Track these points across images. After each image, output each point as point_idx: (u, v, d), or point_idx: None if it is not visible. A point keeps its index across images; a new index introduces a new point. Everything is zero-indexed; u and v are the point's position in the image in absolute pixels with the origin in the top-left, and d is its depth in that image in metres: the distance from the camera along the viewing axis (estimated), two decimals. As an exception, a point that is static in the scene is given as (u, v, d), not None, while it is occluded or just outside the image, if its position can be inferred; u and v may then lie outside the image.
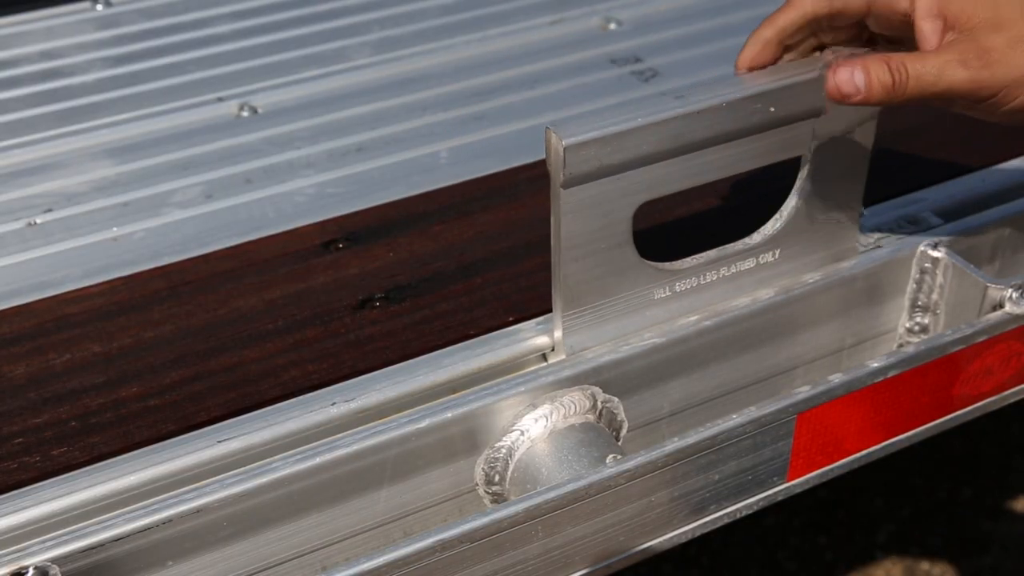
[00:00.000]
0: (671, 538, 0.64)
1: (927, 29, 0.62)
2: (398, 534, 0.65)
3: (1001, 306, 0.70)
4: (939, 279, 0.74)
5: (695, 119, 0.62)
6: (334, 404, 0.63)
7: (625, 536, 0.62)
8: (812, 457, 0.67)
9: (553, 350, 0.67)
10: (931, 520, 1.64)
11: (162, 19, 1.13)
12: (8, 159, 0.91)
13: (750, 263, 0.70)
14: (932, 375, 0.68)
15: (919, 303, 0.76)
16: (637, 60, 1.03)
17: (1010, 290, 0.70)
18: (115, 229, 0.82)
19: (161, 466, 0.59)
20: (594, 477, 0.58)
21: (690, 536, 0.65)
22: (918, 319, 0.77)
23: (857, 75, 0.60)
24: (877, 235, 0.75)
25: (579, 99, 0.97)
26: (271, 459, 0.59)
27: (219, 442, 0.60)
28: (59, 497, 0.57)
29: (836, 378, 0.64)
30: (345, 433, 0.61)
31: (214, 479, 0.59)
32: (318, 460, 0.59)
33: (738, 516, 0.67)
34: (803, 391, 0.63)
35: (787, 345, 0.73)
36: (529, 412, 0.64)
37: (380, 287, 0.74)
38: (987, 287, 0.71)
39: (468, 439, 0.64)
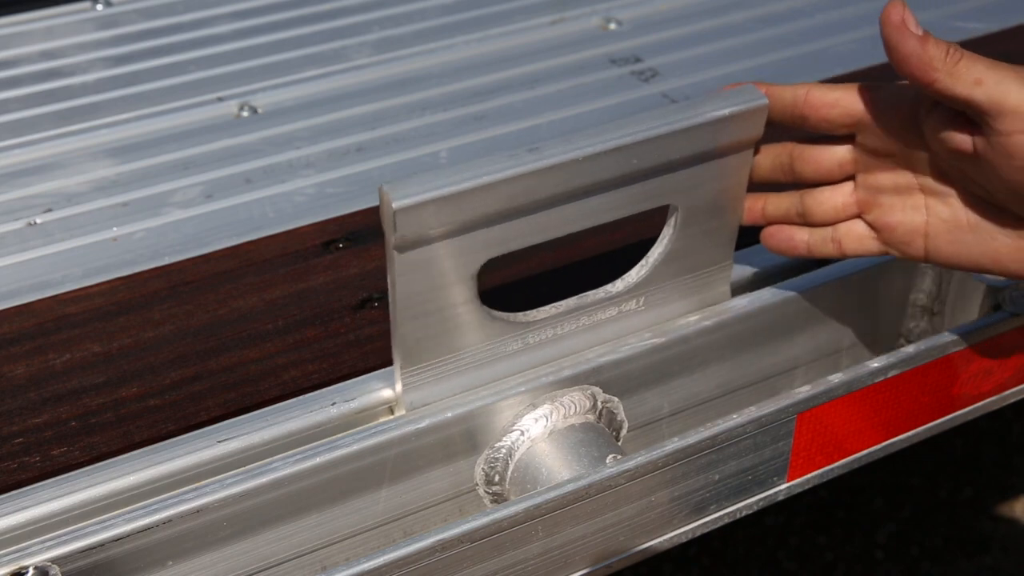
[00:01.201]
0: (671, 538, 0.64)
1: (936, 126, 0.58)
2: (398, 534, 0.65)
3: (1001, 306, 0.70)
4: (939, 279, 0.74)
5: (546, 175, 0.57)
6: (334, 404, 0.63)
7: (625, 536, 0.62)
8: (812, 457, 0.67)
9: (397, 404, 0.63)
10: (931, 520, 1.64)
11: (162, 19, 1.13)
12: (8, 159, 0.91)
13: (612, 312, 0.66)
14: (932, 375, 0.68)
15: (919, 303, 0.76)
16: (637, 60, 1.03)
17: (1010, 290, 0.70)
18: (115, 229, 0.82)
19: (161, 466, 0.59)
20: (594, 477, 0.58)
21: (690, 536, 0.65)
22: (918, 319, 0.77)
23: (911, 21, 0.56)
24: (877, 235, 0.75)
25: (579, 99, 0.97)
26: (271, 459, 0.59)
27: (219, 442, 0.60)
28: (59, 497, 0.57)
29: (836, 378, 0.64)
30: (345, 433, 0.61)
31: (214, 479, 0.59)
32: (318, 460, 0.59)
33: (738, 516, 0.67)
34: (803, 391, 0.63)
35: (787, 345, 0.73)
36: (529, 412, 0.64)
37: (380, 287, 0.74)
38: (987, 287, 0.71)
39: (468, 439, 0.64)
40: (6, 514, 0.56)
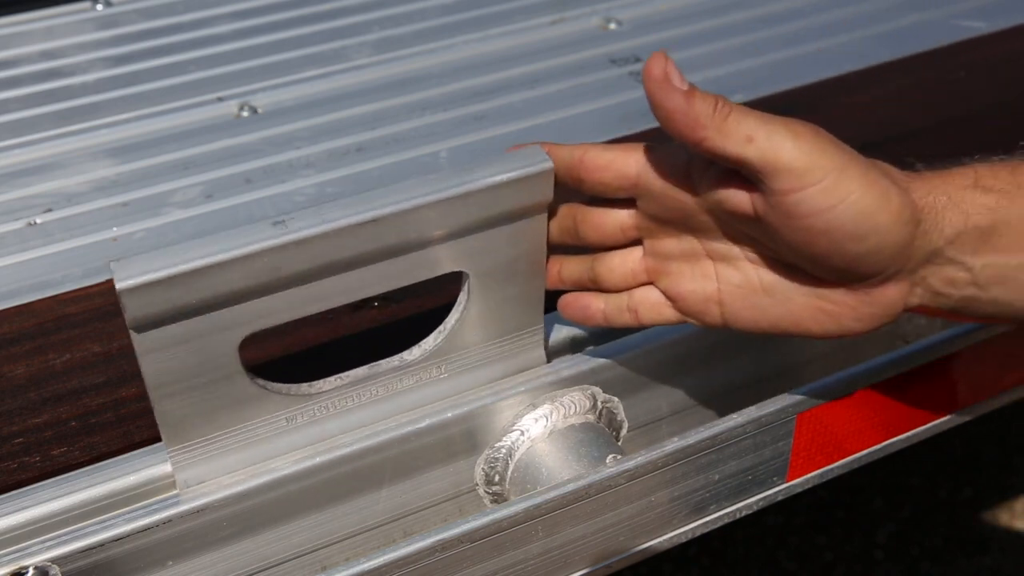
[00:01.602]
0: (671, 538, 0.64)
1: (704, 183, 0.55)
2: (398, 534, 0.65)
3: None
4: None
5: (292, 251, 0.52)
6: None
7: (625, 536, 0.62)
8: (812, 457, 0.67)
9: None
10: (931, 520, 1.64)
11: (162, 19, 1.13)
12: (8, 159, 0.91)
13: (410, 381, 0.61)
14: (932, 375, 0.68)
15: (919, 303, 0.76)
16: (637, 60, 1.03)
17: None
18: (115, 229, 0.82)
19: (161, 466, 0.59)
20: (594, 477, 0.58)
21: (690, 536, 0.65)
22: (918, 319, 0.77)
23: (675, 76, 0.52)
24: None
25: (579, 99, 0.97)
26: (271, 459, 0.59)
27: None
28: (59, 497, 0.57)
29: (836, 378, 0.64)
30: (344, 433, 0.61)
31: (214, 479, 0.59)
32: (318, 460, 0.59)
33: (738, 516, 0.67)
34: (803, 391, 0.63)
35: (787, 345, 0.73)
36: (529, 412, 0.64)
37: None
38: (987, 287, 0.70)
39: (468, 439, 0.64)
40: (6, 514, 0.56)
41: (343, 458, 0.60)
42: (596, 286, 0.62)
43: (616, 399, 0.67)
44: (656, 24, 1.10)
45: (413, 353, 0.61)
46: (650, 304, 0.60)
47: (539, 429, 0.63)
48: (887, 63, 1.01)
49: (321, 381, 0.59)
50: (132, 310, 0.51)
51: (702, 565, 1.58)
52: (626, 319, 0.61)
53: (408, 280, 0.57)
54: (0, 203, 0.86)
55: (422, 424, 0.61)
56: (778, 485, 0.67)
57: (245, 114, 0.97)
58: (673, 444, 0.60)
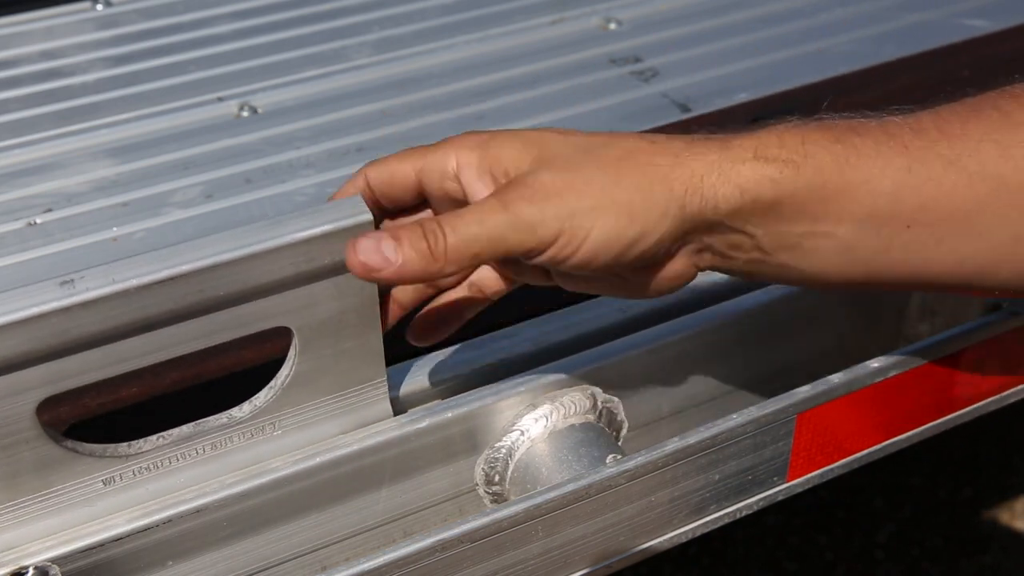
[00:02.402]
0: (671, 538, 0.64)
1: (480, 188, 0.54)
2: (398, 534, 0.65)
3: (1001, 306, 0.70)
4: (939, 279, 0.74)
5: (81, 313, 0.48)
6: None
7: (625, 536, 0.62)
8: (812, 457, 0.67)
9: None
10: (931, 520, 1.64)
11: (162, 19, 1.13)
12: (8, 159, 0.91)
13: (241, 439, 0.57)
14: (932, 375, 0.68)
15: (919, 303, 0.76)
16: (637, 60, 1.03)
17: (1010, 290, 0.70)
18: (115, 229, 0.82)
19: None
20: (594, 477, 0.58)
21: (690, 536, 0.65)
22: (918, 319, 0.77)
23: (386, 245, 0.49)
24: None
25: (579, 99, 0.97)
26: (271, 459, 0.59)
27: (218, 442, 0.60)
28: (59, 497, 0.57)
29: (836, 378, 0.64)
30: (345, 434, 0.61)
31: (214, 479, 0.58)
32: (318, 460, 0.59)
33: (738, 516, 0.67)
34: (803, 391, 0.63)
35: (787, 345, 0.73)
36: (529, 412, 0.64)
37: (379, 287, 0.74)
38: (987, 287, 0.71)
39: (468, 439, 0.64)
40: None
41: (343, 458, 0.60)
42: (436, 289, 0.60)
43: (616, 399, 0.67)
44: (656, 24, 1.10)
45: (243, 410, 0.57)
46: (492, 277, 0.59)
47: (539, 429, 0.63)
48: (888, 63, 1.01)
49: (141, 440, 0.55)
50: None
51: (702, 565, 1.58)
52: (479, 304, 0.60)
53: (226, 337, 0.53)
54: (0, 203, 0.86)
55: (422, 424, 0.61)
56: (778, 485, 0.67)
57: (245, 114, 0.97)
58: (673, 444, 0.60)
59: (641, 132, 0.54)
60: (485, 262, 0.52)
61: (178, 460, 0.56)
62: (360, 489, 0.61)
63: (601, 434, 0.65)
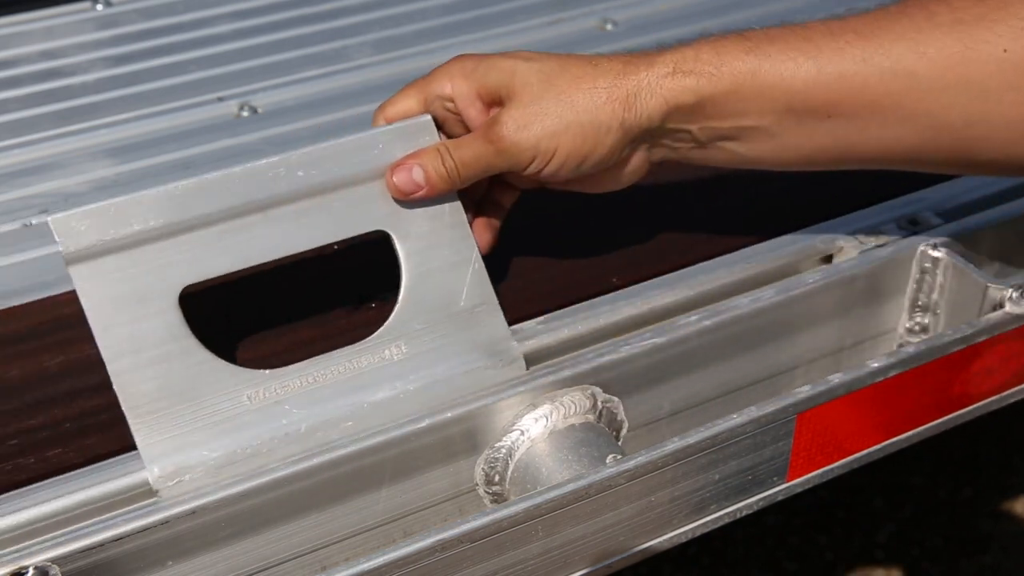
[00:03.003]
0: (671, 538, 0.64)
1: (473, 115, 0.66)
2: (398, 534, 0.65)
3: (1001, 306, 0.70)
4: (939, 279, 0.74)
5: (204, 187, 0.59)
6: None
7: (625, 536, 0.62)
8: (812, 457, 0.67)
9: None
10: (931, 520, 1.64)
11: (162, 19, 1.13)
12: (7, 159, 0.91)
13: (372, 359, 0.63)
14: (932, 375, 0.68)
15: (919, 303, 0.76)
16: (637, 60, 1.03)
17: (1010, 290, 0.70)
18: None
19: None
20: (594, 477, 0.58)
21: (690, 536, 0.65)
22: (918, 319, 0.77)
23: (416, 172, 0.64)
24: (877, 235, 0.75)
25: (579, 99, 0.97)
26: (271, 459, 0.59)
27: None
28: (59, 497, 0.57)
29: (836, 378, 0.64)
30: (344, 434, 0.61)
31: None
32: (318, 460, 0.59)
33: (738, 516, 0.67)
34: (803, 391, 0.63)
35: (787, 345, 0.73)
36: (529, 412, 0.64)
37: (379, 287, 0.74)
38: (987, 287, 0.71)
39: (468, 439, 0.64)
40: (6, 514, 0.56)
41: (343, 458, 0.60)
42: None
43: (616, 399, 0.67)
44: (653, 25, 1.10)
45: (371, 335, 0.63)
46: (502, 191, 0.71)
47: (539, 429, 0.63)
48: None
49: (284, 368, 0.61)
50: (64, 240, 0.56)
51: (702, 565, 1.58)
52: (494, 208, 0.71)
53: (333, 236, 0.63)
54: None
55: (422, 424, 0.61)
56: (778, 485, 0.67)
57: (245, 114, 0.97)
58: (673, 444, 0.60)
59: (589, 55, 0.65)
60: (484, 177, 0.66)
61: (315, 380, 0.62)
62: (360, 489, 0.61)
63: (601, 434, 0.65)
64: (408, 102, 0.68)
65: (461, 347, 0.65)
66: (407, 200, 0.64)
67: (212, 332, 0.62)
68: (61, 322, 0.72)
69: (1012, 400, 0.75)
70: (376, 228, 0.64)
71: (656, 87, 0.62)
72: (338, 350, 0.62)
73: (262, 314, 0.69)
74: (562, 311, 0.70)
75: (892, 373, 0.66)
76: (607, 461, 0.61)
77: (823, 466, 0.68)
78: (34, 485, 0.59)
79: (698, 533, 0.65)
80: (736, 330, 0.70)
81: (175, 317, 0.59)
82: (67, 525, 0.57)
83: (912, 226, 0.76)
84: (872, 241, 0.75)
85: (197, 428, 0.59)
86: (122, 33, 1.11)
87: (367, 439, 0.60)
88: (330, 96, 0.99)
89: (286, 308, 0.70)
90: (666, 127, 0.64)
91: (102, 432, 0.63)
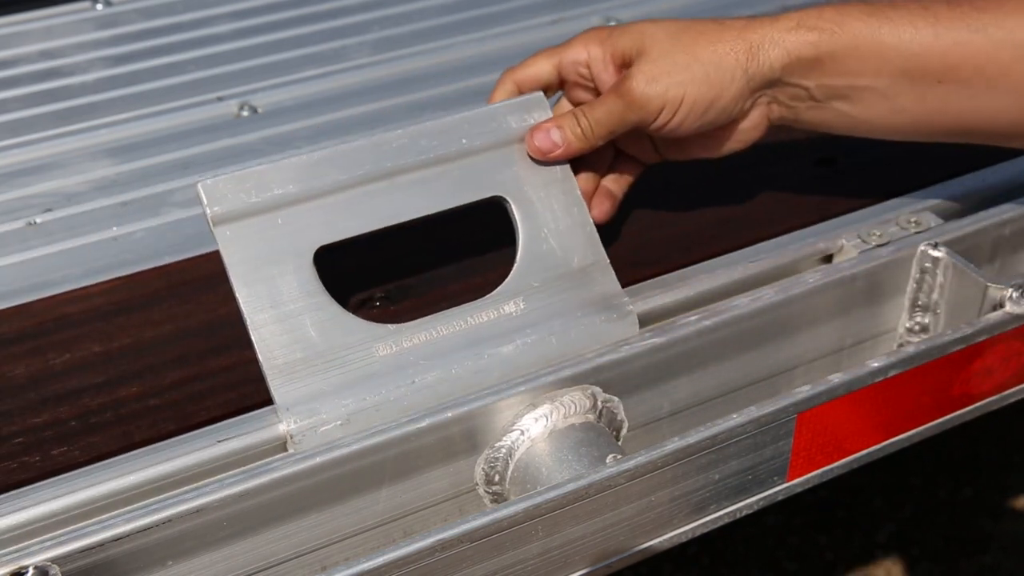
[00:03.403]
0: (671, 538, 0.64)
1: (606, 79, 0.70)
2: (398, 534, 0.65)
3: (1001, 305, 0.70)
4: (939, 279, 0.74)
5: (337, 156, 0.64)
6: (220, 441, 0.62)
7: (625, 536, 0.62)
8: (812, 457, 0.67)
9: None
10: (931, 520, 1.64)
11: (162, 19, 1.13)
12: (8, 159, 0.91)
13: (490, 314, 0.66)
14: (932, 375, 0.68)
15: (919, 303, 0.76)
16: (637, 60, 1.03)
17: (1010, 290, 0.70)
18: (115, 229, 0.82)
19: (161, 466, 0.59)
20: (594, 477, 0.58)
21: (690, 536, 0.65)
22: (918, 319, 0.77)
23: (554, 133, 0.68)
24: (877, 235, 0.75)
25: (579, 99, 0.97)
26: (271, 459, 0.59)
27: (219, 442, 0.60)
28: (59, 497, 0.57)
29: (836, 378, 0.64)
30: (345, 435, 0.61)
31: (214, 479, 0.59)
32: (318, 460, 0.59)
33: (738, 516, 0.67)
34: (803, 391, 0.63)
35: (787, 345, 0.73)
36: (529, 412, 0.64)
37: (380, 287, 0.74)
38: (987, 287, 0.71)
39: (468, 439, 0.64)
40: (6, 514, 0.56)
41: (343, 458, 0.60)
42: (597, 184, 0.75)
43: (616, 399, 0.67)
44: (656, 24, 1.10)
45: (492, 292, 0.67)
46: (623, 162, 0.76)
47: (539, 429, 0.63)
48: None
49: (409, 322, 0.65)
50: (211, 203, 0.61)
51: (702, 565, 1.58)
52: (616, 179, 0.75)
53: (454, 202, 0.67)
54: (0, 203, 0.86)
55: (422, 424, 0.61)
56: (778, 485, 0.67)
57: (245, 114, 0.97)
58: (673, 444, 0.60)
59: (714, 19, 0.69)
60: (616, 135, 0.69)
61: (439, 334, 0.65)
62: (360, 489, 0.61)
63: (601, 434, 0.65)
64: (540, 67, 0.72)
65: (576, 303, 0.68)
66: (545, 160, 0.68)
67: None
68: (65, 320, 0.72)
69: (1012, 400, 0.75)
70: (494, 194, 0.68)
71: (779, 39, 0.66)
72: (459, 306, 0.66)
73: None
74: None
75: (892, 373, 0.66)
76: (607, 461, 0.61)
77: (823, 466, 0.68)
78: (39, 483, 0.59)
79: (698, 533, 0.65)
80: (736, 330, 0.70)
81: (309, 275, 0.63)
82: (72, 523, 0.57)
83: (912, 226, 0.76)
84: (872, 241, 0.75)
85: (330, 380, 0.62)
86: (122, 33, 1.11)
87: (367, 439, 0.60)
88: (330, 96, 0.99)
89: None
90: (785, 80, 0.67)
91: (107, 430, 0.63)
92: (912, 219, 0.77)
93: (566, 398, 0.64)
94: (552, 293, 0.68)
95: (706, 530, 0.65)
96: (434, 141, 0.67)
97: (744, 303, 0.70)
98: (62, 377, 0.67)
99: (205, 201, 0.61)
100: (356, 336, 0.63)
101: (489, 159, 0.68)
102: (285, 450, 0.61)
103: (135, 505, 0.58)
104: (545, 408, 0.64)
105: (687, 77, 0.67)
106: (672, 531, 0.64)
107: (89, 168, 0.90)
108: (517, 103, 0.70)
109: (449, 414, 0.62)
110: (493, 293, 0.66)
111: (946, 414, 0.72)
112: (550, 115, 0.70)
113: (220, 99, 0.99)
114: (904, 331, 0.78)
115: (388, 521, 0.64)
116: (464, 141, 0.68)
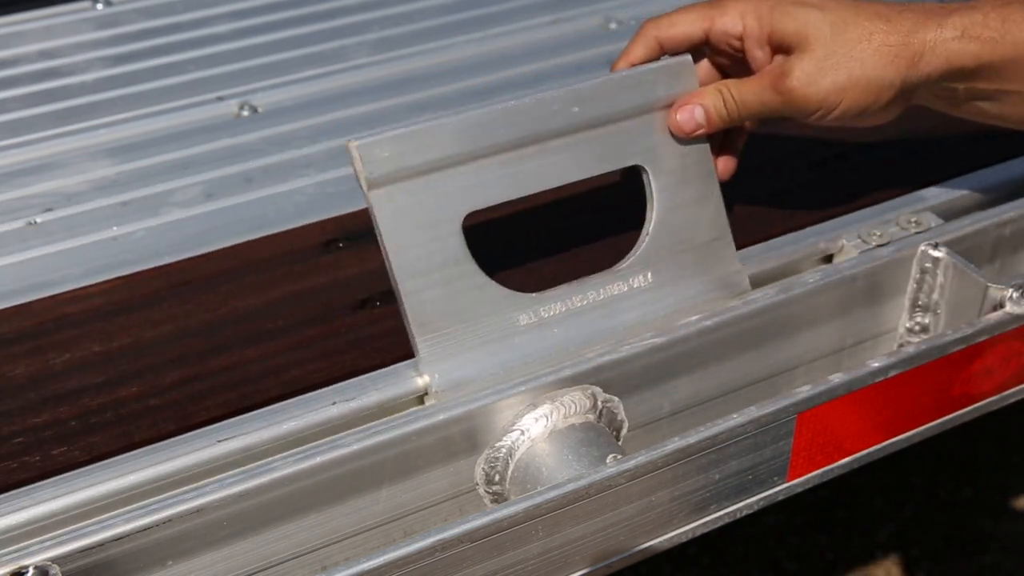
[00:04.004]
0: (671, 538, 0.64)
1: (759, 56, 0.69)
2: (398, 534, 0.65)
3: (1002, 306, 0.70)
4: (939, 279, 0.74)
5: (489, 118, 0.63)
6: (334, 404, 0.63)
7: (625, 536, 0.62)
8: (812, 457, 0.67)
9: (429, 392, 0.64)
10: (931, 520, 1.64)
11: (161, 19, 1.13)
12: (8, 159, 0.91)
13: (621, 287, 0.68)
14: (932, 375, 0.68)
15: (919, 303, 0.76)
16: (637, 60, 1.03)
17: (1010, 290, 0.70)
18: (115, 228, 0.82)
19: (161, 466, 0.59)
20: (594, 477, 0.58)
21: (690, 536, 0.65)
22: (918, 319, 0.77)
23: (698, 112, 0.68)
24: (877, 235, 0.75)
25: (579, 99, 0.97)
26: (271, 459, 0.59)
27: (219, 442, 0.60)
28: (59, 497, 0.57)
29: (836, 378, 0.64)
30: (345, 433, 0.61)
31: (214, 479, 0.59)
32: (318, 460, 0.59)
33: (738, 516, 0.67)
34: (803, 391, 0.63)
35: (787, 345, 0.73)
36: (529, 412, 0.64)
37: (380, 287, 0.74)
38: (988, 287, 0.71)
39: (468, 439, 0.64)
40: (6, 514, 0.56)
41: (343, 458, 0.60)
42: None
43: (616, 399, 0.67)
44: (656, 24, 1.10)
45: (623, 262, 0.68)
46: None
47: (539, 429, 0.63)
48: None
49: (545, 291, 0.67)
50: (369, 165, 0.60)
51: (702, 565, 1.58)
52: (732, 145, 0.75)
53: (597, 169, 0.67)
54: (0, 203, 0.86)
55: (422, 424, 0.61)
56: (778, 485, 0.67)
57: (245, 114, 0.97)
58: (673, 444, 0.60)
59: (880, 4, 0.68)
60: (765, 118, 0.70)
61: (573, 303, 0.67)
62: (360, 489, 0.61)
63: (601, 434, 0.65)
64: (690, 28, 0.70)
65: (699, 277, 0.70)
66: (686, 137, 0.68)
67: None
68: (65, 320, 0.72)
69: (1012, 400, 0.75)
70: (635, 163, 0.68)
71: (941, 49, 0.65)
72: (593, 276, 0.67)
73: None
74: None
75: (892, 373, 0.66)
76: (607, 461, 0.61)
77: (823, 466, 0.68)
78: (39, 483, 0.59)
79: (698, 533, 0.65)
80: (736, 330, 0.70)
81: (458, 241, 0.63)
82: (72, 523, 0.57)
83: (912, 226, 0.76)
84: (872, 241, 0.75)
85: (474, 345, 0.64)
86: (121, 33, 1.11)
87: (367, 439, 0.60)
88: (330, 96, 0.99)
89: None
90: (939, 84, 0.67)
91: (107, 430, 0.63)
92: (912, 219, 0.77)
93: (566, 398, 0.64)
94: (678, 267, 0.69)
95: (706, 530, 0.65)
96: (585, 106, 0.66)
97: (744, 303, 0.70)
98: (62, 377, 0.67)
99: (360, 163, 0.60)
100: (500, 304, 0.65)
101: (633, 126, 0.68)
102: (422, 403, 0.64)
103: (135, 505, 0.58)
104: (545, 408, 0.64)
105: (847, 82, 0.66)
106: (672, 531, 0.64)
107: (89, 168, 0.90)
108: (666, 68, 0.68)
109: (449, 414, 0.62)
110: (625, 265, 0.68)
111: (946, 414, 0.72)
112: (696, 85, 0.69)
113: (220, 99, 0.99)
114: (904, 331, 0.78)
115: (388, 521, 0.64)
116: (612, 107, 0.67)
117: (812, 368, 0.76)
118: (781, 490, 0.67)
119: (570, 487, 0.57)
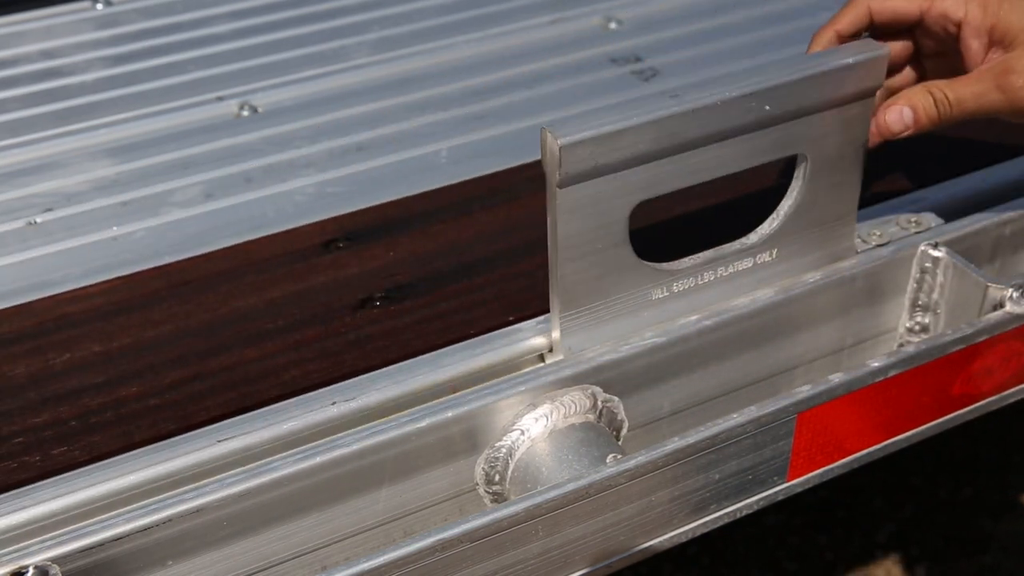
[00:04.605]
0: (671, 538, 0.64)
1: (975, 47, 0.66)
2: (398, 534, 0.65)
3: (1001, 305, 0.70)
4: (939, 279, 0.74)
5: (689, 117, 0.62)
6: (334, 404, 0.63)
7: (625, 536, 0.62)
8: (812, 457, 0.67)
9: (551, 351, 0.67)
10: (931, 520, 1.64)
11: (161, 19, 1.13)
12: (8, 159, 0.91)
13: (747, 263, 0.70)
14: (932, 375, 0.68)
15: (919, 303, 0.76)
16: (637, 60, 1.03)
17: (1010, 290, 0.70)
18: (115, 228, 0.82)
19: (161, 466, 0.59)
20: (594, 477, 0.58)
21: (690, 536, 0.65)
22: (918, 319, 0.77)
23: (906, 113, 0.66)
24: (877, 235, 0.75)
25: (579, 99, 0.97)
26: (271, 459, 0.59)
27: (219, 442, 0.60)
28: (59, 497, 0.57)
29: (836, 378, 0.64)
30: (345, 433, 0.61)
31: (214, 479, 0.59)
32: (318, 460, 0.59)
33: (738, 516, 0.67)
34: (804, 391, 0.63)
35: (787, 345, 0.73)
36: (529, 412, 0.64)
37: (380, 287, 0.74)
38: (987, 287, 0.71)
39: (468, 439, 0.64)
40: (6, 514, 0.56)
41: (343, 458, 0.60)
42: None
43: (616, 399, 0.67)
44: (656, 23, 1.10)
45: (751, 238, 0.69)
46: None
47: (539, 429, 0.63)
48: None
49: (678, 261, 0.68)
50: (566, 165, 0.59)
51: (702, 565, 1.58)
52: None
53: (762, 159, 0.66)
54: (0, 203, 0.86)
55: (422, 424, 0.61)
56: (778, 485, 0.67)
57: (245, 114, 0.97)
58: (673, 444, 0.60)
59: None
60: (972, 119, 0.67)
61: (701, 279, 0.68)
62: (360, 489, 0.61)
63: (601, 434, 0.65)
64: (907, 4, 0.68)
65: (816, 252, 0.72)
66: (892, 138, 0.67)
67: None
68: (65, 320, 0.72)
69: (1012, 400, 0.75)
70: (798, 152, 0.68)
71: None
72: (724, 251, 0.68)
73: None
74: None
75: (892, 373, 0.66)
76: (607, 461, 0.61)
77: (823, 466, 0.68)
78: (39, 483, 0.59)
79: (698, 533, 0.65)
80: (736, 330, 0.70)
81: (622, 228, 0.64)
82: (72, 523, 0.57)
83: (912, 226, 0.76)
84: (872, 241, 0.75)
85: (608, 318, 0.66)
86: (122, 33, 1.11)
87: (367, 439, 0.60)
88: (330, 96, 0.99)
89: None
90: None
91: (107, 429, 0.63)
92: (912, 219, 0.77)
93: (566, 398, 0.64)
94: (803, 244, 0.70)
95: (706, 530, 0.65)
96: (778, 103, 0.64)
97: (744, 303, 0.70)
98: (62, 377, 0.67)
99: (556, 159, 0.59)
100: (641, 280, 0.66)
101: (812, 119, 0.67)
102: (543, 360, 0.67)
103: (135, 505, 0.58)
104: (545, 408, 0.64)
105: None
106: (672, 531, 0.64)
107: (89, 168, 0.90)
108: (860, 63, 0.65)
109: (449, 414, 0.62)
110: (754, 242, 0.69)
111: (946, 414, 0.72)
112: (883, 79, 0.66)
113: (220, 99, 0.99)
114: (904, 331, 0.78)
115: (388, 521, 0.64)
116: (802, 102, 0.65)
117: (812, 368, 0.76)
118: (781, 490, 0.67)
119: (570, 487, 0.57)
